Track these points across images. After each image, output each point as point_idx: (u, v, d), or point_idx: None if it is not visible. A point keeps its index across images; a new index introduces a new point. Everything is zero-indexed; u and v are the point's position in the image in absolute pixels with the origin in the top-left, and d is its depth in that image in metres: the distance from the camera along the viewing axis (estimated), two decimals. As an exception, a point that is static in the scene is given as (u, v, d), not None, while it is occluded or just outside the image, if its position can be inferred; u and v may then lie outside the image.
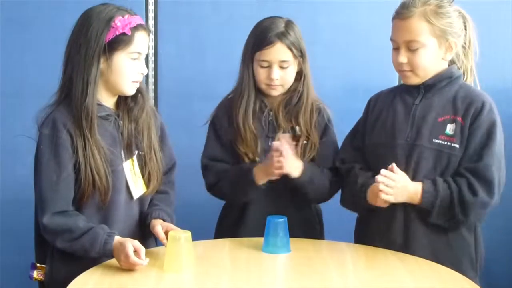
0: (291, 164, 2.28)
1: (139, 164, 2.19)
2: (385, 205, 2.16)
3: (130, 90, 2.14)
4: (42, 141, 2.05)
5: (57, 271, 2.11)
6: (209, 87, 2.91)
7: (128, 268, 1.97)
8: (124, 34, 2.06)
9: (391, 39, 2.23)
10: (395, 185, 2.12)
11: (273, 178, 2.31)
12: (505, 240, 3.27)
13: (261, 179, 2.33)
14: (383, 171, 2.12)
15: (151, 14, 3.21)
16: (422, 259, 2.13)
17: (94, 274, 1.97)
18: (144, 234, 2.21)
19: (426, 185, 2.14)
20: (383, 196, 2.12)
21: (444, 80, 2.22)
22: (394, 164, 2.13)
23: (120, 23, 2.06)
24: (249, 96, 2.39)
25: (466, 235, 2.22)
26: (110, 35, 2.05)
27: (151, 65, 3.23)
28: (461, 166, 2.16)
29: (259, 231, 2.22)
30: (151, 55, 3.22)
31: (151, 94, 3.23)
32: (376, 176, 2.12)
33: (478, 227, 2.25)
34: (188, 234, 2.01)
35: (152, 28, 3.21)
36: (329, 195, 2.44)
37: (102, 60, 2.06)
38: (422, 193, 2.14)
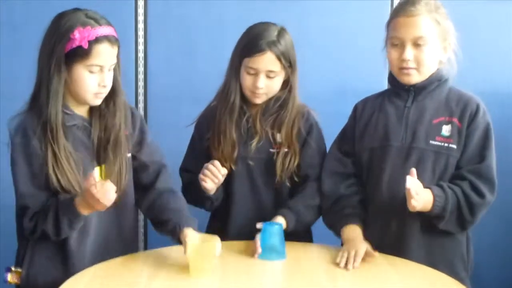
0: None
1: (106, 172, 2.17)
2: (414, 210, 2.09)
3: (92, 101, 2.11)
4: (15, 149, 2.05)
5: (34, 277, 2.11)
6: (199, 89, 2.89)
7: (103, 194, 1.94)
8: (80, 47, 2.02)
9: (391, 37, 2.21)
10: (420, 191, 2.07)
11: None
12: (495, 244, 3.27)
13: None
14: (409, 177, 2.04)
15: (140, 17, 3.20)
16: (412, 262, 2.12)
17: (84, 277, 1.96)
18: (125, 240, 2.24)
19: (435, 190, 2.12)
20: (413, 202, 2.04)
21: (434, 83, 2.23)
22: (414, 169, 2.06)
23: (79, 34, 2.01)
24: (235, 101, 2.36)
25: (458, 235, 2.23)
26: (68, 47, 2.02)
27: (141, 68, 3.22)
28: (463, 169, 2.17)
29: (242, 237, 2.24)
30: (141, 58, 3.22)
31: (141, 97, 3.22)
32: (407, 181, 2.02)
33: (469, 227, 2.27)
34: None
35: (141, 32, 3.20)
36: (317, 217, 2.41)
37: (64, 70, 2.04)
38: (434, 199, 2.11)
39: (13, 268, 2.14)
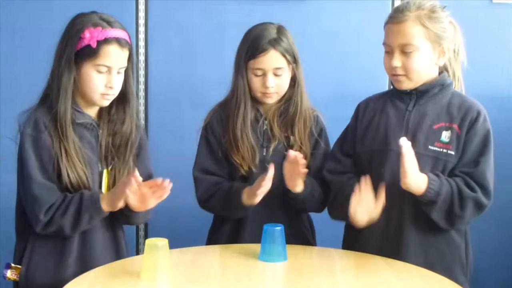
0: (299, 180, 2.27)
1: (111, 177, 2.20)
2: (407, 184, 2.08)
3: (100, 102, 2.13)
4: (26, 140, 2.06)
5: (32, 274, 2.12)
6: (199, 93, 2.90)
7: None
8: (89, 46, 2.06)
9: (384, 44, 2.23)
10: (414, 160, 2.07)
11: (258, 198, 2.26)
12: (495, 247, 3.27)
13: (249, 200, 2.29)
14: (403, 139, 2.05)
15: (141, 21, 3.21)
16: (412, 265, 2.12)
17: (85, 279, 1.95)
18: (117, 246, 2.25)
19: (430, 175, 2.13)
20: (406, 165, 2.04)
21: (436, 87, 2.23)
22: (404, 138, 2.07)
23: (89, 34, 2.05)
24: (246, 106, 2.36)
25: (457, 239, 2.23)
26: (78, 46, 2.06)
27: (142, 72, 3.23)
28: (457, 170, 2.17)
29: (255, 242, 2.22)
30: (142, 62, 3.22)
31: (142, 101, 3.23)
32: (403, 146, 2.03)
33: (468, 231, 2.27)
34: (165, 242, 1.99)
35: (142, 35, 3.21)
36: (323, 206, 2.42)
37: (73, 68, 2.07)
38: (428, 181, 2.11)
39: (12, 265, 2.15)
